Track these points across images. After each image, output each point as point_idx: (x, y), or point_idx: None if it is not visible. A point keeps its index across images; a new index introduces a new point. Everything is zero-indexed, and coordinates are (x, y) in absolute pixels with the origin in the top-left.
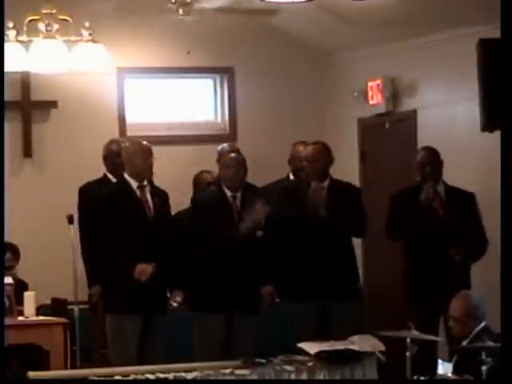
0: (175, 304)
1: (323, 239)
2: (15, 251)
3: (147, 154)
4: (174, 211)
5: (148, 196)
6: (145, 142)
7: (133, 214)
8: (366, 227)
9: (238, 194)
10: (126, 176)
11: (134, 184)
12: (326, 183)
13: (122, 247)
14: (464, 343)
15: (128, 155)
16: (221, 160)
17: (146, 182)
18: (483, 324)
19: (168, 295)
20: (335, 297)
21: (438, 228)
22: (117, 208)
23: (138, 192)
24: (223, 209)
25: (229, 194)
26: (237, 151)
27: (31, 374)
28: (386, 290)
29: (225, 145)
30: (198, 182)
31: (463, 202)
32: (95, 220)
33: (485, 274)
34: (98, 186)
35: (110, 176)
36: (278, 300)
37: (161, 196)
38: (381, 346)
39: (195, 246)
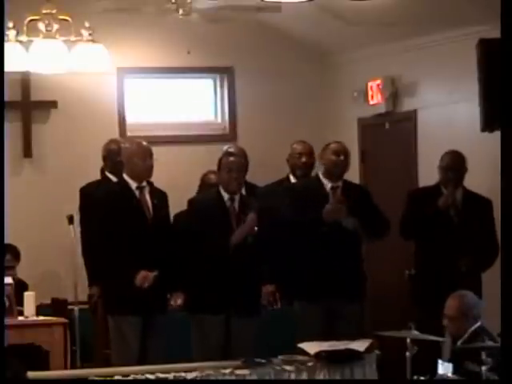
0: (176, 306)
1: (333, 239)
2: (15, 253)
3: (146, 155)
4: (173, 212)
5: (147, 197)
6: (144, 143)
7: (132, 214)
8: (387, 229)
9: (237, 196)
10: (126, 176)
11: (133, 185)
12: (340, 183)
13: (120, 248)
14: (459, 343)
15: (127, 156)
16: (220, 162)
17: (145, 183)
18: (478, 324)
19: (168, 296)
20: (343, 297)
21: (451, 235)
22: (116, 208)
23: (137, 193)
24: (219, 211)
25: (226, 196)
26: (241, 152)
27: (31, 374)
28: (386, 290)
29: (229, 146)
30: (203, 183)
31: (480, 208)
32: (94, 220)
33: (496, 278)
34: (99, 186)
35: (110, 176)
36: (279, 304)
37: (160, 197)
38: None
39: (191, 248)
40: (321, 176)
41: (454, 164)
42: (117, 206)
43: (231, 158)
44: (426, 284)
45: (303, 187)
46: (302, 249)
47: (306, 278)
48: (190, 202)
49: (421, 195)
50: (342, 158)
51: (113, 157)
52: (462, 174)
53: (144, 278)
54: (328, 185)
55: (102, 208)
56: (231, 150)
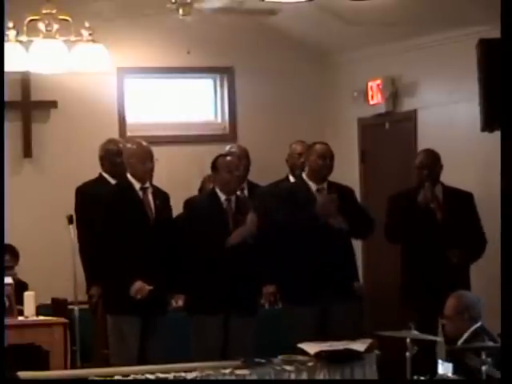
0: (177, 307)
1: (323, 240)
2: (14, 253)
3: (146, 158)
4: (173, 212)
5: (150, 198)
6: (145, 144)
7: (135, 215)
8: (372, 228)
9: (233, 197)
10: (129, 177)
11: (136, 185)
12: (325, 185)
13: (122, 249)
14: (459, 343)
15: (127, 157)
16: (216, 163)
17: (148, 184)
18: (478, 324)
19: (168, 297)
20: (335, 299)
21: (436, 230)
22: (119, 208)
23: (140, 193)
24: (216, 212)
25: (223, 197)
26: (242, 152)
27: (29, 374)
28: (386, 291)
29: (231, 146)
30: (204, 183)
31: (461, 202)
32: (97, 219)
33: (484, 274)
34: (97, 185)
35: (106, 176)
36: (279, 304)
37: (162, 198)
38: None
39: (190, 249)
40: (305, 177)
41: (428, 162)
42: (120, 206)
43: (228, 158)
44: (414, 280)
45: (290, 190)
46: (294, 251)
47: (298, 280)
48: (187, 203)
49: (400, 198)
50: (328, 161)
51: (111, 157)
52: (438, 172)
53: (139, 289)
54: (313, 187)
55: (106, 207)
56: (232, 149)
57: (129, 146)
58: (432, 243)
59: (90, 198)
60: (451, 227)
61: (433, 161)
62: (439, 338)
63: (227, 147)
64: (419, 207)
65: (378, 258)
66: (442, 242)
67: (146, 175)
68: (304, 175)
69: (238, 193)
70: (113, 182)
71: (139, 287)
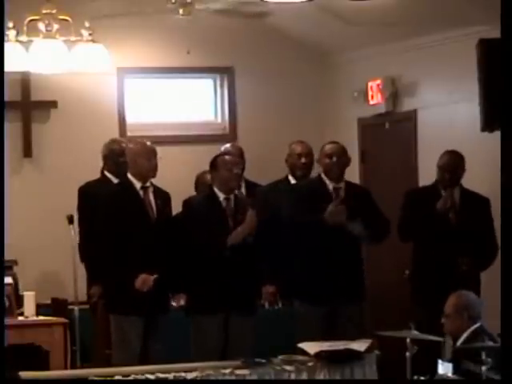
0: (178, 306)
1: (336, 241)
2: None
3: (151, 155)
4: (173, 212)
5: (151, 197)
6: (148, 143)
7: (135, 214)
8: (388, 231)
9: (232, 196)
10: (130, 176)
11: (137, 184)
12: (342, 184)
13: (124, 248)
14: (458, 343)
15: (132, 156)
16: (216, 161)
17: (149, 183)
18: (478, 324)
19: (170, 297)
20: (344, 298)
21: (450, 234)
22: (120, 208)
23: (141, 193)
24: (216, 212)
25: (222, 196)
26: (238, 151)
27: (29, 374)
28: (386, 291)
29: (225, 147)
30: (200, 183)
31: (478, 207)
32: (98, 219)
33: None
34: (99, 185)
35: (109, 176)
36: (279, 304)
37: (163, 197)
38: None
39: (189, 249)
40: (323, 176)
41: (452, 164)
42: (121, 206)
43: (227, 157)
44: (424, 284)
45: (307, 187)
46: (304, 249)
47: (307, 278)
48: (185, 203)
49: (418, 196)
50: (334, 159)
51: (114, 157)
52: (460, 175)
53: (144, 281)
54: (330, 185)
55: (106, 207)
56: (228, 149)
57: (132, 145)
58: (444, 247)
59: (92, 198)
60: (465, 233)
61: (455, 163)
62: (439, 338)
63: (222, 148)
64: (436, 212)
65: (379, 257)
66: (454, 247)
67: (150, 173)
68: (322, 173)
69: (236, 191)
70: (115, 181)
71: (144, 279)
